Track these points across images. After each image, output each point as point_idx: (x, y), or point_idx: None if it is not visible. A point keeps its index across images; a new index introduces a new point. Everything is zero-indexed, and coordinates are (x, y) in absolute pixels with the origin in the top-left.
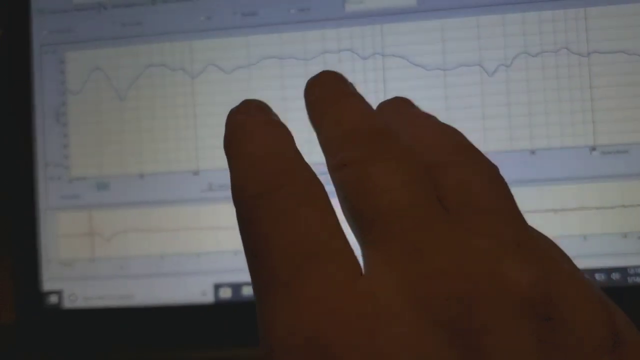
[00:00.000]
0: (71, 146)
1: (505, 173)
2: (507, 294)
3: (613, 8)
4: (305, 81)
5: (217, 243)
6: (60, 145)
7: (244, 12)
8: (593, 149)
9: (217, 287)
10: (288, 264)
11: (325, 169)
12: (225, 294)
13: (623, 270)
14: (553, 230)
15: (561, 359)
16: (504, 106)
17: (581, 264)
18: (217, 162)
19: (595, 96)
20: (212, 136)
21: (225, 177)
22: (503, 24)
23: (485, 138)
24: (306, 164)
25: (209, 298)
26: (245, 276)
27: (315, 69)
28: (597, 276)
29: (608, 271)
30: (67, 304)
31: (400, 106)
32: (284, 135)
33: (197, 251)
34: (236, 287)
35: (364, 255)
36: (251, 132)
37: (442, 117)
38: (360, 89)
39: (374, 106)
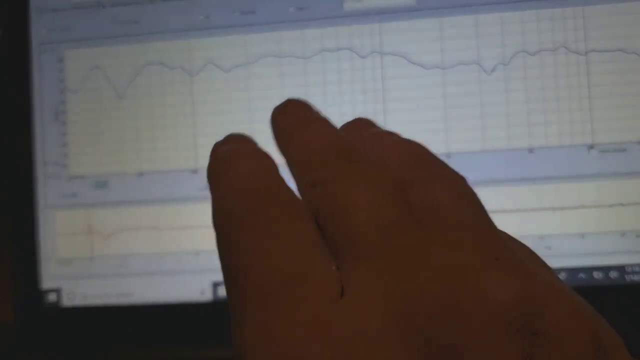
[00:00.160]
0: (70, 145)
1: (504, 171)
2: (490, 310)
3: (611, 7)
4: (305, 80)
5: (215, 241)
6: (59, 144)
7: (242, 11)
8: (591, 147)
9: (215, 285)
10: (266, 287)
11: None
12: (224, 292)
13: (621, 269)
14: (551, 228)
15: None
16: (502, 105)
17: (579, 262)
18: None
19: (593, 95)
20: (210, 135)
21: None
22: (501, 22)
23: (483, 136)
24: (288, 187)
25: (207, 296)
26: None
27: (314, 67)
28: (595, 274)
29: (606, 269)
30: (66, 302)
31: (362, 126)
32: (266, 161)
33: (196, 249)
34: None
35: (342, 277)
36: (233, 161)
37: (441, 116)
38: (359, 87)
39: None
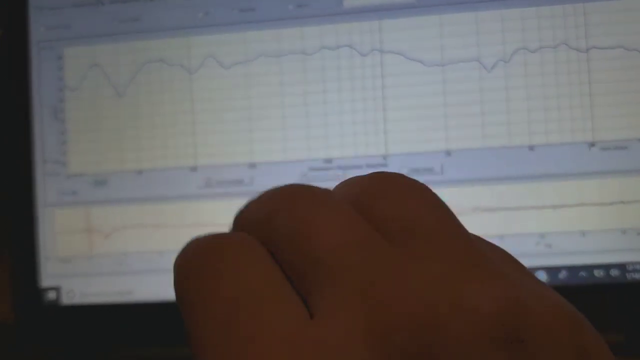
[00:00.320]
0: (69, 142)
1: (504, 169)
2: (471, 321)
3: (612, 3)
4: (305, 77)
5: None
6: (58, 142)
7: (241, 8)
8: (592, 144)
9: None
10: (233, 315)
11: (321, 164)
12: None
13: (622, 267)
14: (552, 226)
15: None
16: (502, 102)
17: (580, 260)
18: (215, 158)
19: (594, 92)
20: (210, 132)
21: (223, 173)
22: (501, 19)
23: (483, 134)
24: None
25: None
26: None
27: (313, 65)
28: (596, 272)
29: (607, 267)
30: (66, 300)
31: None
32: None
33: None
34: None
35: (310, 305)
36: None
37: (441, 113)
38: (359, 85)
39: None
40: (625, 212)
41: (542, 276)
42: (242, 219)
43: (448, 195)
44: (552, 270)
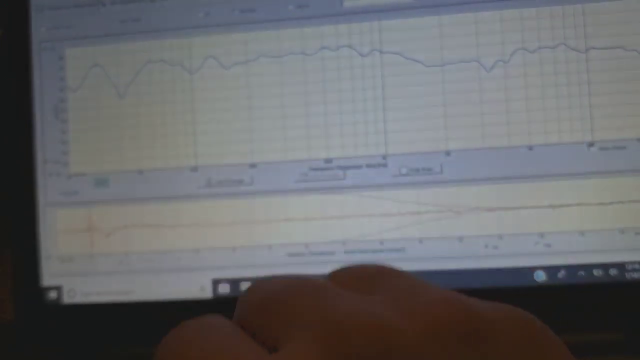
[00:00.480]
0: (70, 143)
1: (503, 169)
2: (426, 322)
3: (611, 4)
4: (304, 78)
5: (215, 239)
6: (59, 142)
7: (242, 9)
8: (591, 144)
9: (215, 282)
10: None
11: (321, 164)
12: (224, 289)
13: (621, 266)
14: (551, 226)
15: None
16: (501, 102)
17: (579, 259)
18: (215, 159)
19: (593, 92)
20: (211, 132)
21: (223, 173)
22: (501, 20)
23: (483, 134)
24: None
25: (207, 293)
26: (243, 272)
27: (313, 65)
28: (595, 272)
29: (606, 267)
30: (67, 299)
31: None
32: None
33: (196, 247)
34: (234, 282)
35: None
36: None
37: (440, 113)
38: (359, 85)
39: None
40: (623, 211)
41: (541, 276)
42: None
43: (447, 195)
44: (551, 270)
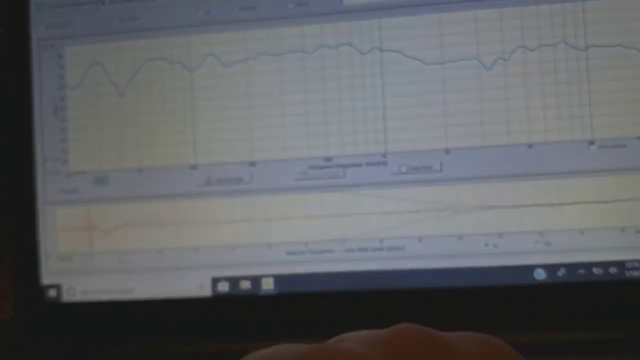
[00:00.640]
0: (70, 141)
1: (503, 167)
2: (384, 352)
3: (611, 2)
4: (304, 76)
5: (215, 237)
6: (58, 140)
7: (242, 6)
8: (591, 142)
9: (215, 281)
10: None
11: (321, 162)
12: (223, 287)
13: (621, 265)
14: (551, 224)
15: None
16: (501, 100)
17: (579, 258)
18: (215, 157)
19: (593, 90)
20: (210, 130)
21: (223, 172)
22: (501, 18)
23: (482, 132)
24: None
25: (206, 292)
26: (242, 270)
27: (313, 63)
28: (595, 270)
29: (605, 265)
30: (66, 298)
31: None
32: None
33: (195, 245)
34: (234, 281)
35: None
36: None
37: (440, 111)
38: (359, 83)
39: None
40: (623, 210)
41: (541, 274)
42: None
43: (447, 193)
44: (551, 268)
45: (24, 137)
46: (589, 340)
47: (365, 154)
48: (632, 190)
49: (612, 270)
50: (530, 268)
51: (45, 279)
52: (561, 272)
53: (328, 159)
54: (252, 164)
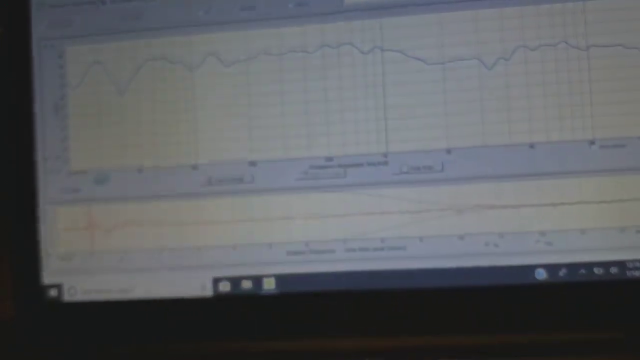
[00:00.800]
0: (70, 140)
1: (504, 167)
2: None
3: (612, 1)
4: (305, 75)
5: (216, 237)
6: (59, 139)
7: (242, 6)
8: (592, 142)
9: (216, 280)
10: None
11: (322, 162)
12: (224, 287)
13: (622, 264)
14: (552, 224)
15: None
16: (502, 100)
17: (580, 258)
18: (216, 156)
19: (594, 90)
20: (211, 130)
21: (224, 171)
22: (501, 17)
23: (483, 132)
24: None
25: (208, 292)
26: (244, 270)
27: (314, 63)
28: (596, 270)
29: (606, 265)
30: (67, 297)
31: None
32: None
33: (197, 245)
34: (235, 280)
35: None
36: None
37: (441, 111)
38: (360, 83)
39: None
40: (624, 210)
41: (542, 274)
42: None
43: (448, 193)
44: (552, 268)
45: (24, 136)
46: (589, 340)
47: (366, 153)
48: (633, 190)
49: (613, 270)
50: (531, 268)
51: (46, 279)
52: (562, 272)
53: (329, 158)
54: (253, 163)
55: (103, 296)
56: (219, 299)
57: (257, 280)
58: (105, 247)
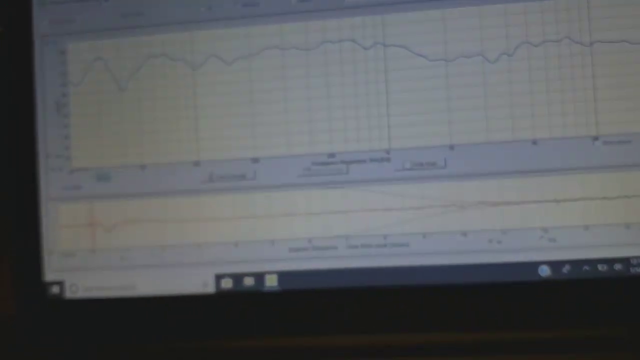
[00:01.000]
0: (72, 137)
1: (507, 163)
2: None
3: None
4: (307, 72)
5: (218, 234)
6: (61, 137)
7: (244, 3)
8: (595, 138)
9: (218, 277)
10: None
11: (324, 159)
12: (227, 284)
13: (625, 261)
14: (555, 220)
15: None
16: (506, 96)
17: (583, 254)
18: (217, 153)
19: (597, 86)
20: (213, 127)
21: (226, 168)
22: (505, 13)
23: (487, 128)
24: None
25: (210, 288)
26: (246, 267)
27: (316, 59)
28: (600, 267)
29: (610, 262)
30: (69, 294)
31: None
32: None
33: (198, 242)
34: (237, 277)
35: None
36: None
37: (444, 107)
38: (362, 79)
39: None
40: (628, 206)
41: (545, 271)
42: None
43: (451, 189)
44: (555, 265)
45: (26, 133)
46: (593, 336)
47: (369, 150)
48: (637, 186)
49: (617, 266)
50: (535, 264)
51: (48, 276)
52: (566, 269)
53: (331, 155)
54: (255, 160)
55: (105, 293)
56: (221, 296)
57: (260, 277)
58: (107, 244)
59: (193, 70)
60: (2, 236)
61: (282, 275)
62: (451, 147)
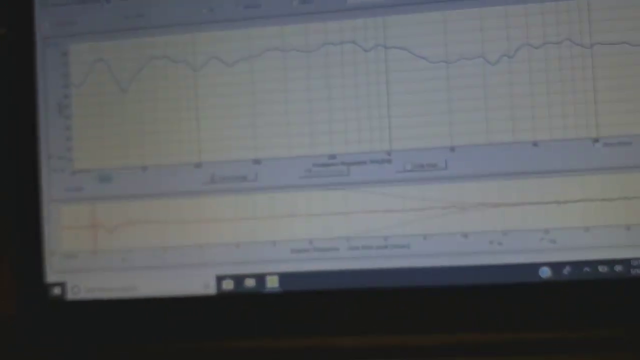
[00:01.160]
0: (74, 139)
1: (508, 165)
2: None
3: None
4: (308, 74)
5: (219, 235)
6: (63, 138)
7: (246, 4)
8: (596, 140)
9: (219, 278)
10: None
11: (325, 160)
12: (228, 285)
13: (626, 262)
14: (556, 222)
15: None
16: (506, 98)
17: (584, 255)
18: (219, 155)
19: (598, 88)
20: (214, 128)
21: (227, 170)
22: (506, 15)
23: (487, 130)
24: None
25: (211, 290)
26: (247, 268)
27: (317, 61)
28: (600, 268)
29: (611, 263)
30: (70, 295)
31: None
32: None
33: (200, 243)
34: (238, 278)
35: None
36: None
37: (445, 109)
38: (363, 81)
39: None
40: (629, 207)
41: (546, 272)
42: None
43: (452, 191)
44: (556, 266)
45: (28, 134)
46: (594, 338)
47: (370, 151)
48: (637, 188)
49: (618, 268)
50: (536, 266)
51: (50, 277)
52: (566, 270)
53: (332, 156)
54: (257, 161)
55: (106, 294)
56: (222, 297)
57: (261, 278)
58: (108, 245)
59: (194, 71)
60: (4, 237)
61: (283, 277)
62: (452, 149)
